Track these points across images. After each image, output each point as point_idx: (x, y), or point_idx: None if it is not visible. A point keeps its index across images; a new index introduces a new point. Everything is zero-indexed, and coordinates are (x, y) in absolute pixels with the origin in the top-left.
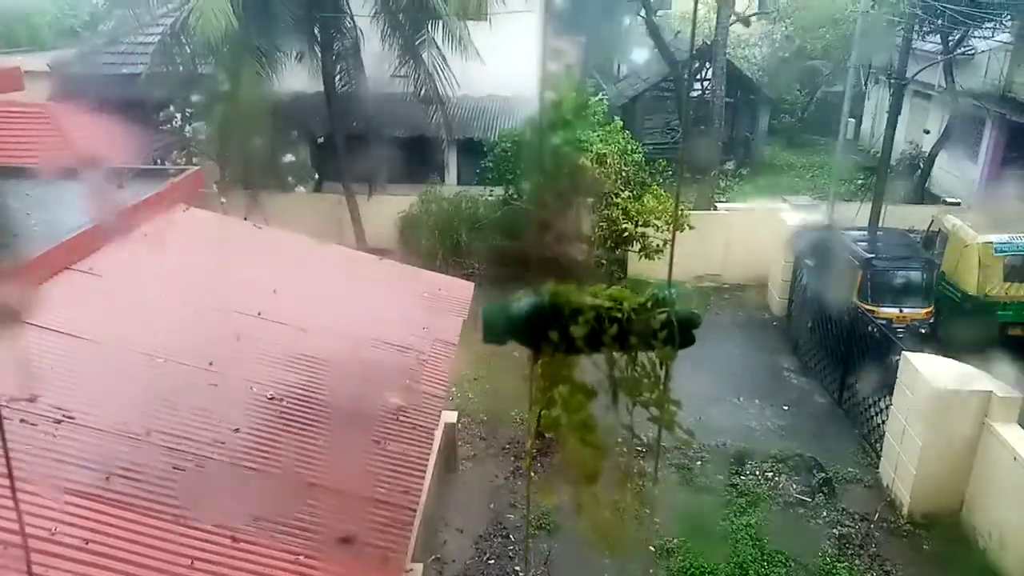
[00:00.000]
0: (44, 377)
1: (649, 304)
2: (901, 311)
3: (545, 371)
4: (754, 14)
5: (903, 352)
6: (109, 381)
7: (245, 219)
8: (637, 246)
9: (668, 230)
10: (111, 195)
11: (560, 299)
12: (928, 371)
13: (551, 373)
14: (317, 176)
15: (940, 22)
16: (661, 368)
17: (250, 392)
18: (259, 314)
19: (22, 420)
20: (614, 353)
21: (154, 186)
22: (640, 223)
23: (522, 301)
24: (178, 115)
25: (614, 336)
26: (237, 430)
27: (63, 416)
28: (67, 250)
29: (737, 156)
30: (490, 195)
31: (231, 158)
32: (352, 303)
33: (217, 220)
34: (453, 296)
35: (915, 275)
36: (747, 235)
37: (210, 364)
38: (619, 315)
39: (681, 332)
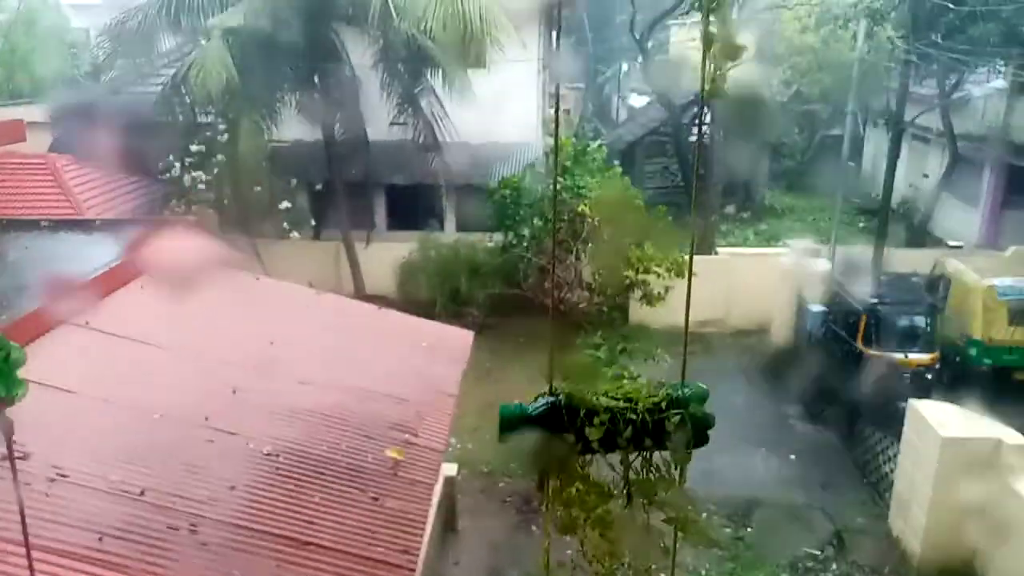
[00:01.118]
0: (38, 434)
1: (664, 404)
2: (906, 356)
3: (562, 471)
4: (751, 59)
5: (909, 399)
6: (104, 438)
7: (242, 268)
8: (638, 293)
9: (669, 277)
10: (109, 248)
11: (575, 400)
12: (935, 419)
13: (568, 473)
14: (315, 223)
15: (935, 67)
16: (676, 469)
17: (246, 448)
18: (256, 367)
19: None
20: (629, 455)
21: (152, 237)
22: (641, 270)
23: (538, 401)
24: (177, 164)
25: (629, 438)
26: (233, 487)
27: (57, 474)
28: (64, 304)
29: (737, 200)
30: (489, 241)
31: (229, 206)
32: (350, 354)
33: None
34: (452, 345)
35: (919, 320)
36: (750, 280)
37: (206, 419)
38: (634, 417)
39: (695, 433)
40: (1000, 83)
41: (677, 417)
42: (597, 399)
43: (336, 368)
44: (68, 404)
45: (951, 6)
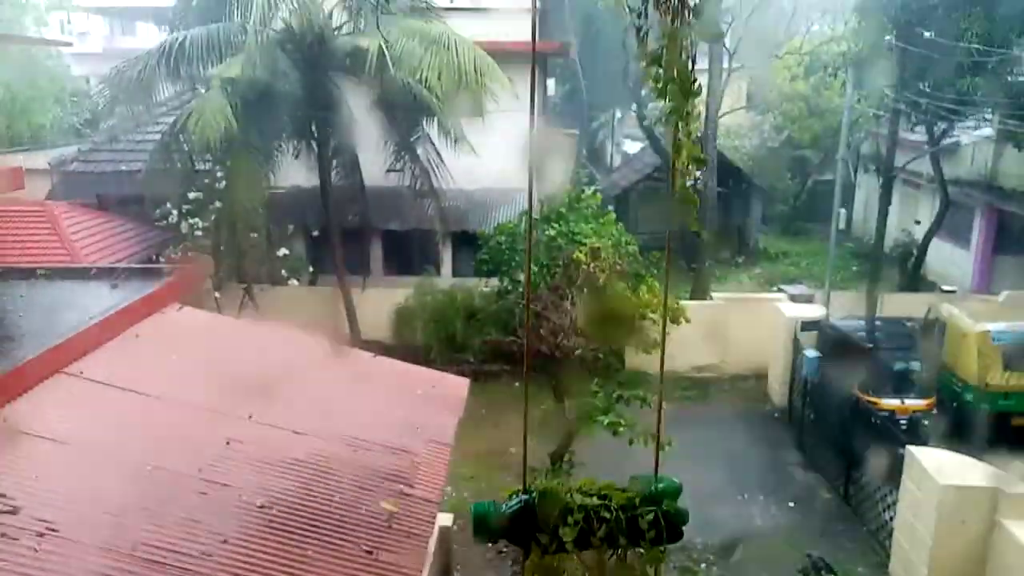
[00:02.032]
0: (28, 487)
1: (637, 501)
2: (903, 402)
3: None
4: (742, 107)
5: (907, 446)
6: (96, 491)
7: (239, 315)
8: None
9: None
10: (105, 296)
11: (549, 499)
12: (933, 466)
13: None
14: (312, 269)
15: (924, 115)
16: (650, 568)
17: (239, 500)
18: (250, 416)
19: (2, 534)
20: (603, 555)
21: (148, 285)
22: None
23: (512, 500)
24: (175, 211)
25: (603, 537)
26: (225, 541)
27: (46, 529)
28: (59, 353)
29: (731, 245)
30: (485, 287)
31: (226, 253)
32: (345, 403)
33: (210, 319)
34: (448, 393)
35: (915, 365)
36: (745, 325)
37: (199, 471)
38: (608, 515)
39: (669, 529)
40: (988, 131)
41: (651, 515)
42: (571, 496)
43: (330, 417)
44: (60, 456)
45: (937, 58)
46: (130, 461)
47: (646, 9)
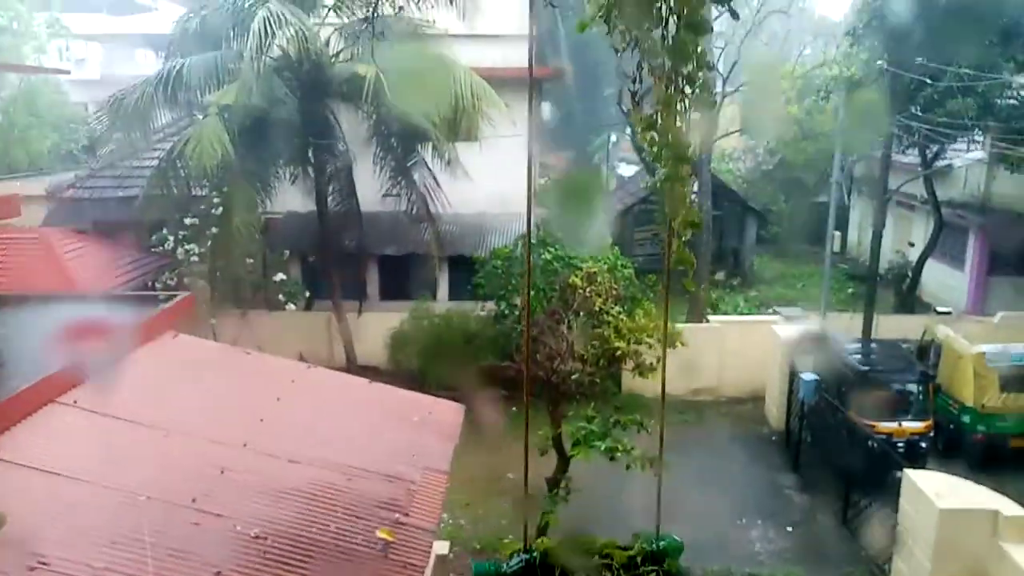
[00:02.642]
0: (20, 519)
1: (639, 559)
2: (900, 425)
3: None
4: (736, 131)
5: (905, 469)
6: (88, 522)
7: (235, 341)
8: (631, 364)
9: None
10: (101, 323)
11: (551, 559)
12: (931, 490)
13: None
14: (308, 294)
15: (916, 139)
16: None
17: (234, 530)
18: (245, 445)
19: None
20: None
21: (144, 313)
22: (632, 340)
23: (513, 560)
24: (171, 238)
25: None
26: (219, 573)
27: (38, 562)
28: (53, 382)
29: (726, 267)
30: (481, 311)
31: (222, 279)
32: (340, 430)
33: (205, 347)
34: (443, 420)
35: (912, 387)
36: (741, 348)
37: (193, 500)
38: (609, 574)
39: None
40: (979, 154)
41: (653, 574)
42: (572, 559)
43: (326, 445)
44: (52, 487)
45: (928, 81)
46: (123, 491)
47: (640, 75)
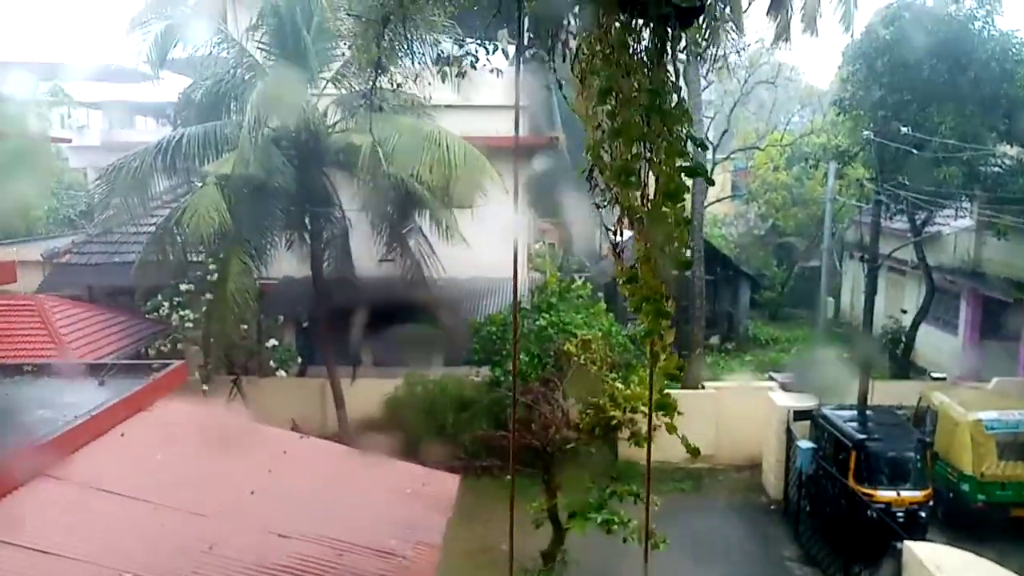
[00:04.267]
0: None
1: None
2: (899, 494)
3: None
4: (727, 197)
5: (905, 542)
6: None
7: (227, 408)
8: (626, 433)
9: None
10: (91, 393)
11: None
12: (932, 562)
13: None
14: (301, 360)
15: (904, 206)
16: None
17: None
18: (235, 518)
19: None
20: None
21: (136, 382)
22: (628, 409)
23: None
24: (165, 304)
25: None
26: None
27: None
28: (40, 454)
29: (721, 331)
30: (476, 376)
31: (216, 344)
32: (332, 503)
33: (197, 416)
34: (437, 491)
35: (909, 455)
36: (737, 414)
37: None
38: None
39: None
40: (967, 221)
41: None
42: None
43: (317, 519)
44: (36, 565)
45: (914, 152)
46: (109, 569)
47: (621, 230)
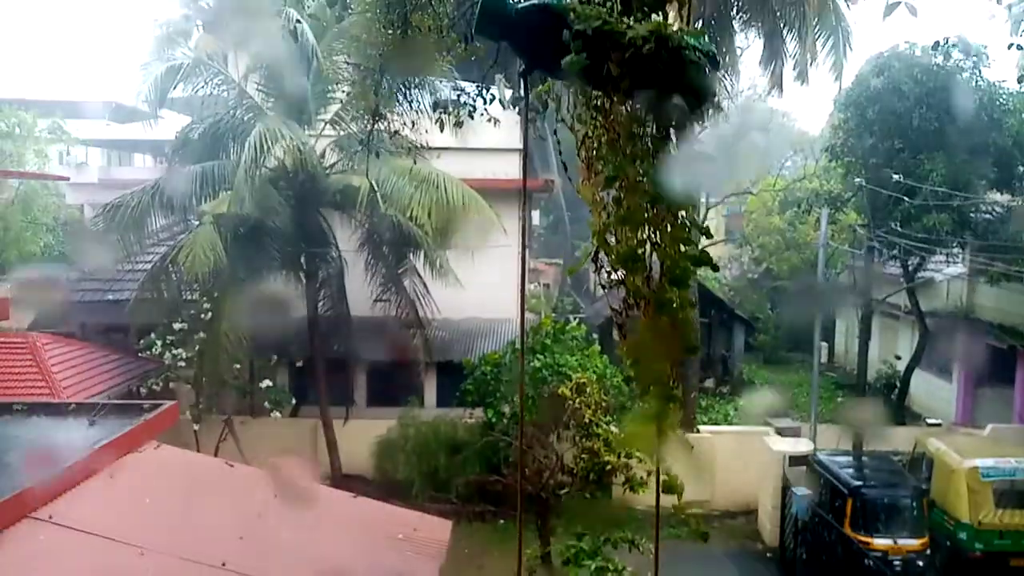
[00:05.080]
0: None
1: None
2: (895, 542)
3: None
4: (721, 240)
5: None
6: None
7: (218, 448)
8: (621, 478)
9: (652, 460)
10: (82, 433)
11: None
12: None
13: None
14: (294, 400)
15: (896, 252)
16: None
17: None
18: (223, 565)
19: None
20: None
21: (126, 422)
22: (623, 454)
23: None
24: (159, 342)
25: None
26: None
27: None
28: (28, 497)
29: (716, 374)
30: (470, 418)
31: (208, 384)
32: (322, 549)
33: (187, 459)
34: (429, 537)
35: (906, 503)
36: (733, 460)
37: None
38: None
39: None
40: (959, 268)
41: None
42: None
43: (307, 566)
44: None
45: (905, 199)
46: None
47: (627, 311)
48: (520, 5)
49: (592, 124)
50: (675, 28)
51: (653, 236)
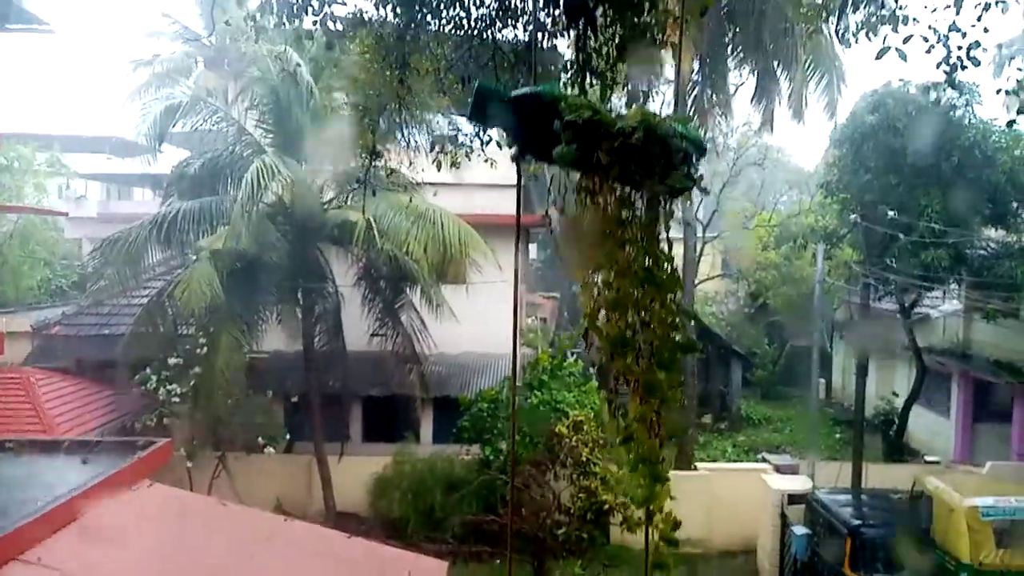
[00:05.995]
0: None
1: None
2: None
3: None
4: (718, 275)
5: None
6: None
7: (212, 485)
8: (618, 517)
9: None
10: (74, 472)
11: None
12: None
13: None
14: (289, 436)
15: (892, 288)
16: None
17: None
18: None
19: None
20: None
21: (119, 460)
22: (620, 493)
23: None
24: (154, 377)
25: None
26: None
27: None
28: (16, 538)
29: (713, 410)
30: (466, 454)
31: (202, 420)
32: None
33: (180, 498)
34: None
35: (905, 543)
36: (731, 497)
37: None
38: None
39: None
40: (955, 304)
41: None
42: None
43: None
44: None
45: (901, 235)
46: None
47: (617, 386)
48: (513, 93)
49: (582, 205)
50: (663, 116)
51: (643, 317)
